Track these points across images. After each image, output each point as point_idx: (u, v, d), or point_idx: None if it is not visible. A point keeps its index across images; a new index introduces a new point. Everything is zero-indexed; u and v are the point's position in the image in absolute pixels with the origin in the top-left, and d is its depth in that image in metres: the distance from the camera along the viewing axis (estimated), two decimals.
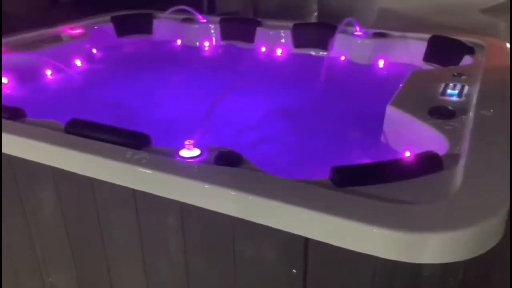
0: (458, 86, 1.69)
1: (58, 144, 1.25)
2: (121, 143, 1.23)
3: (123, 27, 3.03)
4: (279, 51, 2.76)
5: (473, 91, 1.64)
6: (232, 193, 1.01)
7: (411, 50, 2.46)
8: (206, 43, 2.95)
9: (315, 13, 5.77)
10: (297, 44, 2.74)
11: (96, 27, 2.90)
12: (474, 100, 1.54)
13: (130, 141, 1.24)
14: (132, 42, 3.01)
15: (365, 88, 2.25)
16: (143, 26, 3.07)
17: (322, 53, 2.67)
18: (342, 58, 2.60)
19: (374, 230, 0.88)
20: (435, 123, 1.39)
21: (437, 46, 2.35)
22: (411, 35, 2.49)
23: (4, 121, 1.41)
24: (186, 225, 1.12)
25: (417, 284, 0.91)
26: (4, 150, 1.35)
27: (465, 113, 1.45)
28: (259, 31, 2.83)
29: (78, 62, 2.59)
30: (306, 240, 0.96)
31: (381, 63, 2.48)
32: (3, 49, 2.27)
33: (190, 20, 2.99)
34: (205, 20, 2.98)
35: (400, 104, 1.55)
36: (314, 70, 2.48)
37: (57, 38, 2.60)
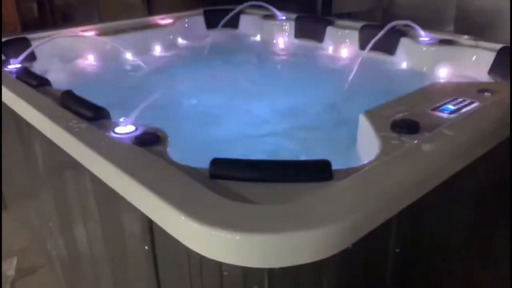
0: (465, 103, 1.49)
1: (42, 110, 1.49)
2: (81, 114, 1.42)
3: (213, 20, 3.25)
4: (344, 52, 2.68)
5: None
6: (113, 168, 1.10)
7: (479, 61, 2.17)
8: (281, 40, 3.01)
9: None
10: (363, 46, 2.62)
11: (186, 19, 3.19)
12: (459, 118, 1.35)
13: (88, 112, 1.42)
14: (217, 35, 3.21)
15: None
16: (231, 20, 3.24)
17: (389, 58, 2.51)
18: (404, 64, 2.42)
19: (187, 221, 0.88)
20: (386, 135, 1.27)
21: (504, 59, 2.04)
22: (484, 44, 2.19)
23: (26, 87, 1.72)
24: (95, 192, 1.26)
25: (220, 282, 0.89)
26: (15, 109, 1.66)
27: (432, 130, 1.28)
28: (329, 30, 2.78)
29: (157, 48, 2.90)
30: (151, 222, 1.02)
31: (441, 73, 2.24)
32: (92, 32, 2.69)
33: (270, 17, 3.08)
34: (284, 17, 3.04)
35: (374, 113, 1.43)
36: (369, 74, 2.38)
37: (145, 26, 2.96)
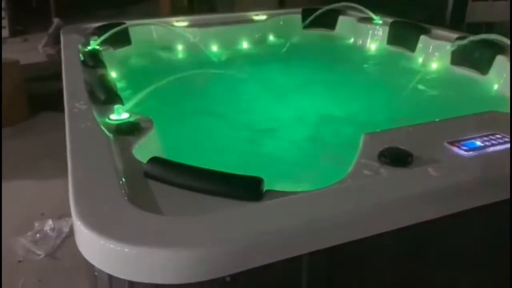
0: (499, 141, 1.21)
1: (69, 88, 1.63)
2: (96, 97, 1.52)
3: (311, 19, 3.15)
4: (434, 65, 2.38)
5: None
6: (70, 150, 1.15)
7: None
8: (373, 45, 2.80)
9: None
10: (455, 61, 2.29)
11: (282, 17, 3.14)
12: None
13: (101, 95, 1.51)
14: (311, 35, 3.10)
15: None
16: (329, 21, 3.10)
17: (480, 77, 2.15)
18: (494, 86, 2.05)
19: (77, 219, 0.87)
20: (365, 163, 1.09)
21: None
22: None
23: (79, 67, 1.88)
24: None
25: (94, 282, 0.88)
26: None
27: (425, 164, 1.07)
28: (422, 39, 2.49)
29: (243, 44, 2.93)
30: None
31: None
32: (184, 23, 2.82)
33: (366, 20, 2.88)
34: (380, 22, 2.82)
35: (374, 136, 1.25)
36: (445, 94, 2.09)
37: (238, 21, 3.01)
